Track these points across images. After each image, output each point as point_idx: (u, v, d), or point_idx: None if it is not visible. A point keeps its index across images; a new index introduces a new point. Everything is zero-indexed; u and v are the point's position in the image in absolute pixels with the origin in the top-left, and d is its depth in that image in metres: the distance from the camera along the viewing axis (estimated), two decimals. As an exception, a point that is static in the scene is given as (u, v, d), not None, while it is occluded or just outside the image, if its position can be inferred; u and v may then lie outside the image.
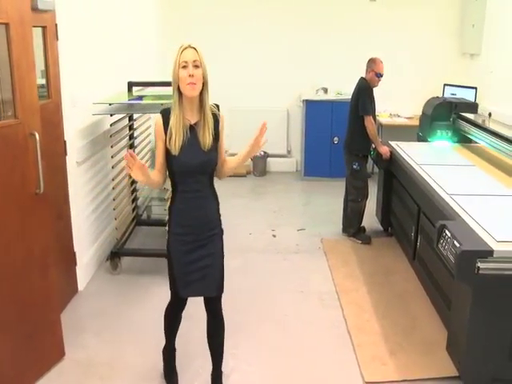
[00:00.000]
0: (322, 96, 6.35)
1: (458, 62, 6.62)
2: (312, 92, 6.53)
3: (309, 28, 6.45)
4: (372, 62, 4.58)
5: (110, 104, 3.92)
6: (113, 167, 4.10)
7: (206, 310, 2.69)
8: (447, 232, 2.83)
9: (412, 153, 4.45)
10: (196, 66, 2.27)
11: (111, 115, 3.99)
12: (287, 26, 6.44)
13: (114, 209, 4.13)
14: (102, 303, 3.69)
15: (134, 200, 4.59)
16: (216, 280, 2.57)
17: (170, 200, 2.51)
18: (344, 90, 6.32)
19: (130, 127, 4.45)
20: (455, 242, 2.70)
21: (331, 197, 5.79)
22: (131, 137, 4.47)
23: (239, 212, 5.28)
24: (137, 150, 4.57)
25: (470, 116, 5.34)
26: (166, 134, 2.33)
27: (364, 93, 4.56)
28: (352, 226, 4.80)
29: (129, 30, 4.99)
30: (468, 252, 2.61)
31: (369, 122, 4.52)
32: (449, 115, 4.86)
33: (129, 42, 4.98)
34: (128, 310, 3.60)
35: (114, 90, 4.35)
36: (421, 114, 5.23)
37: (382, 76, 4.59)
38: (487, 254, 2.62)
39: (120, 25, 4.71)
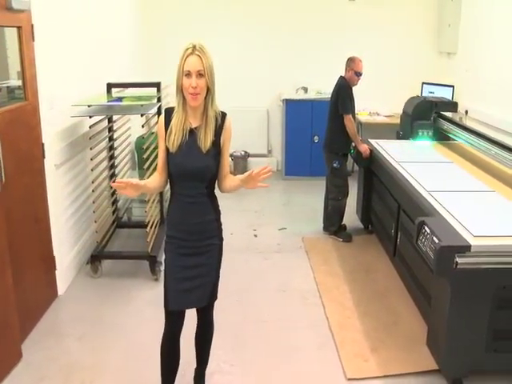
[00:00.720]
0: (301, 95, 6.38)
1: (436, 60, 6.71)
2: (292, 91, 6.55)
3: (288, 28, 6.47)
4: (351, 61, 4.60)
5: (88, 106, 3.89)
6: (92, 169, 4.05)
7: (197, 314, 2.63)
8: (426, 228, 2.87)
9: (391, 151, 4.49)
10: (200, 75, 2.20)
11: (90, 117, 3.93)
12: (267, 25, 6.45)
13: (94, 211, 4.09)
14: (83, 307, 3.64)
15: (115, 202, 4.55)
16: (209, 291, 2.50)
17: (168, 203, 2.47)
18: (324, 89, 6.35)
19: (110, 129, 4.41)
20: (434, 238, 2.74)
21: (312, 196, 5.82)
22: (111, 139, 4.43)
23: (221, 211, 5.24)
24: (117, 152, 4.53)
25: (449, 114, 5.43)
26: (166, 131, 2.31)
27: (343, 92, 4.57)
28: (333, 224, 4.81)
29: (107, 30, 4.94)
30: (447, 247, 2.65)
31: (348, 120, 4.54)
32: (429, 114, 4.89)
33: (108, 42, 4.93)
34: (110, 314, 3.55)
35: (93, 91, 4.30)
36: (401, 113, 5.27)
37: (361, 75, 4.61)
38: (465, 249, 2.67)
39: (98, 25, 4.65)
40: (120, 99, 4.20)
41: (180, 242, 2.40)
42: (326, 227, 4.94)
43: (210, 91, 2.27)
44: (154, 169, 4.34)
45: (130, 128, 4.93)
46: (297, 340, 3.29)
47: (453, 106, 5.03)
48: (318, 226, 5.03)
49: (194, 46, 2.22)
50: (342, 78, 4.69)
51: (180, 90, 2.24)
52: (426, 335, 3.16)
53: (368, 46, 6.47)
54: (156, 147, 4.46)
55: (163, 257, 4.08)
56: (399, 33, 6.62)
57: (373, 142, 4.85)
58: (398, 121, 6.31)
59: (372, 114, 6.58)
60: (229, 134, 2.41)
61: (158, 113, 4.46)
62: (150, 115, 4.38)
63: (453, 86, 5.99)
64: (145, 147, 4.21)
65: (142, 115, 4.03)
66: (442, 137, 4.97)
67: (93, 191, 4.06)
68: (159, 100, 4.38)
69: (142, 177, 4.91)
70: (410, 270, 3.75)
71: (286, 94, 6.50)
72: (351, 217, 5.13)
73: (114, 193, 4.47)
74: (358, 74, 4.59)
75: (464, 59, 6.02)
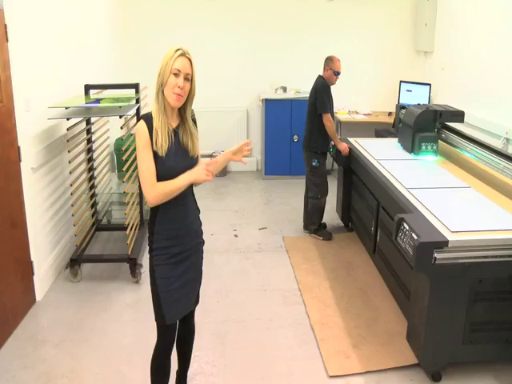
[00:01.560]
0: (281, 95, 6.39)
1: (413, 59, 6.78)
2: (271, 91, 6.57)
3: (267, 27, 6.48)
4: (329, 60, 4.60)
5: (66, 108, 3.84)
6: (71, 172, 4.01)
7: (179, 320, 2.56)
8: (405, 225, 2.91)
9: (370, 149, 4.53)
10: (187, 79, 2.18)
11: (68, 119, 3.89)
12: (245, 25, 6.45)
13: (73, 215, 4.04)
14: (62, 313, 3.58)
15: (94, 205, 4.51)
16: (197, 293, 2.52)
17: (150, 215, 2.34)
18: (303, 88, 6.37)
19: (88, 131, 4.36)
20: (413, 235, 2.78)
21: (292, 195, 5.84)
22: (89, 141, 4.38)
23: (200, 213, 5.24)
24: (95, 154, 4.49)
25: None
26: (151, 138, 2.20)
27: (322, 91, 4.57)
28: (313, 222, 4.81)
29: (84, 31, 4.89)
30: (425, 243, 2.69)
31: (327, 119, 4.54)
32: (433, 125, 4.37)
33: (85, 44, 4.88)
34: (89, 319, 3.51)
35: (71, 93, 4.26)
36: (399, 123, 4.70)
37: (339, 74, 4.62)
38: (443, 244, 2.72)
39: (75, 26, 4.60)
40: (98, 101, 4.16)
41: (172, 249, 2.32)
42: (306, 226, 4.94)
43: (190, 99, 2.27)
44: (134, 170, 4.36)
45: (109, 130, 4.89)
46: (278, 339, 3.30)
47: (459, 115, 4.37)
48: (299, 225, 5.05)
49: (183, 49, 2.20)
50: (320, 77, 4.68)
51: (162, 88, 2.20)
52: (405, 330, 3.19)
53: (346, 45, 6.53)
54: (135, 149, 4.47)
55: (145, 261, 4.15)
56: (377, 32, 6.68)
57: (352, 140, 4.88)
58: (376, 119, 6.42)
59: (351, 113, 6.62)
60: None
61: (137, 114, 4.44)
62: (129, 117, 4.36)
63: (430, 85, 6.08)
64: (124, 149, 4.18)
65: (120, 117, 3.98)
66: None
67: (71, 194, 4.02)
68: (138, 101, 4.35)
69: (120, 179, 4.89)
70: (389, 267, 3.78)
71: (266, 93, 6.51)
72: (331, 215, 5.16)
73: (93, 195, 4.43)
74: (337, 74, 4.60)
75: (440, 58, 6.11)
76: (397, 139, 4.76)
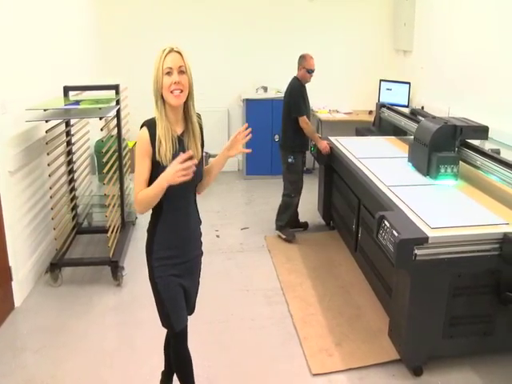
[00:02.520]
0: (262, 95, 6.39)
1: (393, 58, 6.83)
2: (252, 91, 6.56)
3: (248, 27, 6.48)
4: (302, 59, 4.56)
5: (44, 110, 3.78)
6: (50, 175, 3.94)
7: None
8: (386, 222, 2.92)
9: (351, 147, 4.54)
10: (181, 72, 2.11)
11: (46, 121, 3.84)
12: (226, 25, 6.44)
13: (53, 218, 3.97)
14: (42, 318, 3.52)
15: (74, 208, 4.45)
16: (193, 303, 2.53)
17: (150, 223, 2.29)
18: (283, 87, 6.36)
19: (68, 133, 4.31)
20: (394, 232, 2.80)
21: (273, 194, 5.82)
22: (69, 143, 4.32)
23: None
24: (75, 157, 4.44)
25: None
26: (153, 146, 2.12)
27: (296, 93, 4.54)
28: (281, 219, 4.76)
29: (63, 31, 4.82)
30: (406, 240, 2.71)
31: (303, 122, 4.51)
32: (452, 143, 3.69)
33: (64, 44, 4.82)
34: (70, 323, 3.45)
35: (49, 95, 4.20)
36: (410, 142, 4.05)
37: (313, 72, 4.57)
38: (423, 240, 2.74)
39: (53, 26, 4.53)
40: (77, 102, 4.11)
41: (173, 260, 2.28)
42: (276, 224, 4.85)
43: (190, 94, 2.18)
44: (114, 172, 4.33)
45: (89, 132, 4.83)
46: (261, 338, 3.29)
47: (483, 131, 3.76)
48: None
49: (171, 46, 2.15)
50: (294, 78, 4.66)
51: (160, 94, 2.13)
52: (387, 326, 3.22)
53: (327, 44, 6.56)
54: (115, 151, 4.45)
55: (127, 263, 4.12)
56: (357, 32, 6.72)
57: (332, 139, 4.89)
58: (357, 118, 6.46)
59: (332, 112, 6.65)
60: (203, 135, 2.36)
61: (118, 115, 4.40)
62: (109, 118, 4.32)
63: (409, 83, 6.13)
64: (104, 151, 4.14)
65: (100, 118, 3.95)
66: (398, 132, 5.06)
67: (51, 197, 3.96)
68: (118, 102, 4.31)
69: (101, 181, 4.85)
70: (371, 264, 3.81)
71: (246, 93, 6.50)
72: (313, 214, 5.17)
73: (73, 198, 4.38)
74: (310, 72, 4.55)
75: (419, 57, 6.16)
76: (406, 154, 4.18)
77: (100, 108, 3.91)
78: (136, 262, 4.26)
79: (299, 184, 4.74)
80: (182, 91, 2.11)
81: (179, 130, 2.20)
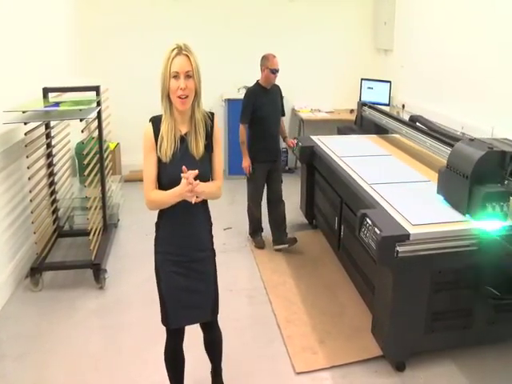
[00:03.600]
0: (243, 94, 6.37)
1: (373, 57, 6.88)
2: (234, 91, 6.55)
3: (229, 27, 6.46)
4: (265, 60, 4.32)
5: (23, 112, 3.74)
6: (29, 178, 3.88)
7: (202, 329, 2.58)
8: (368, 220, 2.94)
9: (333, 146, 4.56)
10: (188, 76, 2.11)
11: (25, 123, 3.79)
12: (207, 25, 6.41)
13: (33, 222, 3.91)
14: (22, 324, 3.45)
15: (55, 211, 4.41)
16: (209, 306, 2.43)
17: (157, 217, 2.35)
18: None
19: (47, 135, 4.26)
20: (376, 229, 2.82)
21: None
22: (49, 145, 4.28)
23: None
24: (55, 159, 4.39)
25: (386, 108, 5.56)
26: (156, 142, 2.18)
27: (244, 98, 4.42)
28: (250, 227, 4.70)
29: (42, 31, 4.76)
30: (388, 237, 2.73)
31: (240, 129, 4.39)
32: (499, 173, 2.93)
33: (43, 44, 4.76)
34: (52, 328, 3.40)
35: (28, 96, 4.14)
36: (441, 169, 3.22)
37: (277, 71, 4.33)
38: (404, 237, 2.77)
39: (31, 27, 4.47)
40: (57, 104, 4.07)
41: (174, 257, 2.31)
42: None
43: (197, 94, 2.18)
44: (95, 174, 4.29)
45: (70, 134, 4.79)
46: (245, 338, 3.29)
47: None
48: (263, 224, 5.02)
49: (180, 47, 2.13)
50: (255, 83, 4.48)
51: (166, 94, 2.14)
52: (370, 323, 3.23)
53: (307, 44, 6.59)
54: (97, 153, 4.42)
55: (109, 266, 4.09)
56: (338, 31, 6.75)
57: (314, 138, 4.91)
58: (339, 117, 6.49)
59: (313, 111, 6.67)
60: (218, 134, 2.31)
61: (99, 117, 4.37)
62: (90, 120, 4.29)
63: (390, 82, 6.18)
64: (85, 153, 4.10)
65: (81, 120, 3.91)
66: (380, 130, 5.09)
67: (31, 201, 3.90)
68: (99, 104, 4.28)
69: (82, 183, 4.80)
70: (353, 262, 3.83)
71: (228, 93, 6.49)
72: (296, 213, 5.17)
73: (54, 201, 4.34)
74: (274, 71, 4.30)
75: (400, 56, 6.21)
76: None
77: (80, 110, 3.87)
78: (119, 264, 4.24)
79: (255, 196, 4.55)
80: (187, 97, 2.12)
81: (184, 130, 2.22)
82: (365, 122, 5.38)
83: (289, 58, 6.59)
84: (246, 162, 4.40)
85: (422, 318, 2.95)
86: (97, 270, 3.87)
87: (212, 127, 2.28)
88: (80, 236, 4.51)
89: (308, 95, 6.67)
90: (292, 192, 5.29)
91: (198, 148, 2.21)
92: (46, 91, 4.30)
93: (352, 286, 3.88)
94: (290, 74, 6.56)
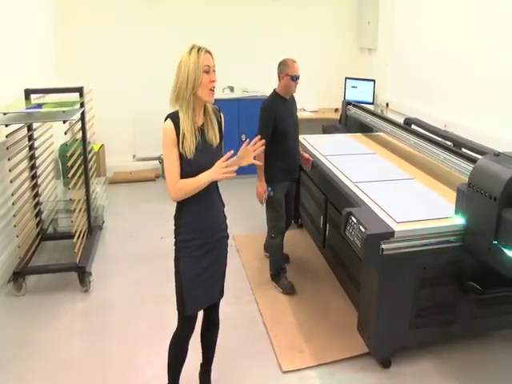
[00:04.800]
0: (228, 94, 6.38)
1: (358, 56, 6.91)
2: (218, 91, 6.52)
3: (212, 28, 6.44)
4: (283, 66, 3.82)
5: (4, 113, 3.70)
6: (11, 181, 3.83)
7: (204, 314, 2.67)
8: (353, 218, 2.95)
9: (318, 145, 4.57)
10: (214, 71, 2.33)
11: (6, 125, 3.75)
12: (191, 25, 6.38)
13: (15, 226, 3.86)
14: (5, 330, 3.39)
15: (38, 214, 4.36)
16: (220, 286, 2.59)
17: (176, 208, 2.44)
18: (250, 87, 6.42)
19: (30, 137, 4.22)
20: (361, 227, 2.83)
21: (241, 194, 5.79)
22: (31, 147, 4.23)
23: (149, 216, 5.19)
24: (38, 162, 4.34)
25: (370, 107, 5.59)
26: (177, 137, 2.30)
27: (263, 112, 3.82)
28: (270, 267, 3.98)
29: (23, 32, 4.70)
30: (372, 235, 2.75)
31: None
32: None
33: (24, 45, 4.70)
34: (36, 334, 3.34)
35: (9, 98, 4.09)
36: (461, 188, 2.86)
37: (298, 78, 3.82)
38: (389, 235, 2.79)
39: (13, 26, 4.42)
40: (40, 106, 4.02)
41: (196, 242, 2.41)
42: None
43: None
44: (79, 176, 4.25)
45: (53, 135, 4.74)
46: (232, 338, 3.28)
47: None
48: (248, 224, 5.04)
49: (205, 47, 2.36)
50: (272, 92, 3.93)
51: (192, 92, 2.27)
52: (356, 321, 3.25)
53: (292, 43, 6.58)
54: (80, 154, 4.38)
55: (94, 269, 4.05)
56: (322, 31, 6.77)
57: (300, 137, 4.89)
58: (323, 116, 6.51)
59: (299, 111, 6.65)
60: (223, 127, 2.51)
61: (82, 118, 4.33)
62: (73, 121, 4.25)
63: (374, 81, 6.21)
64: (69, 155, 4.06)
65: (64, 122, 3.87)
66: (364, 128, 5.11)
67: (13, 204, 3.86)
68: (82, 105, 4.25)
69: (66, 186, 4.75)
70: (339, 260, 3.84)
71: (213, 94, 6.48)
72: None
73: (37, 204, 4.29)
74: (295, 78, 3.79)
75: (383, 55, 6.26)
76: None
77: (64, 111, 3.83)
78: (104, 266, 4.20)
79: (280, 223, 3.92)
80: (215, 88, 2.33)
81: (200, 121, 2.38)
82: (349, 120, 5.40)
83: (273, 59, 6.57)
84: (262, 188, 3.80)
85: (406, 315, 2.97)
86: (81, 273, 3.83)
87: (220, 120, 2.48)
88: (64, 239, 4.45)
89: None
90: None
91: (215, 137, 2.39)
92: (28, 93, 4.25)
93: (338, 285, 3.89)
94: (274, 74, 6.57)
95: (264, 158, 3.72)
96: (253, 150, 2.39)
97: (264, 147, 2.48)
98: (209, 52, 2.34)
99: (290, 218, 4.17)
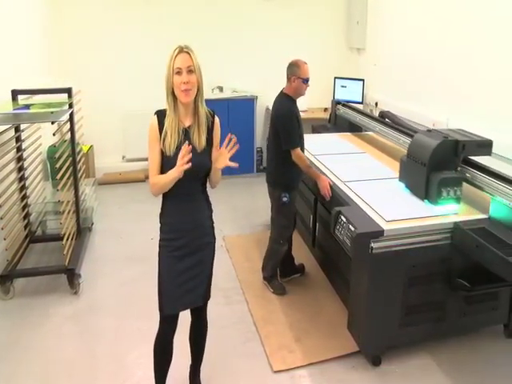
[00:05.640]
0: (217, 95, 6.36)
1: (347, 56, 6.93)
2: (208, 91, 6.53)
3: (201, 28, 6.43)
4: (295, 67, 3.63)
5: (-10, 115, 3.68)
6: (-2, 183, 3.82)
7: (192, 314, 2.67)
8: (342, 217, 2.97)
9: (307, 144, 4.53)
10: (190, 71, 2.27)
11: (-7, 127, 3.73)
12: (180, 26, 6.36)
13: (3, 228, 3.80)
14: (-7, 333, 3.37)
15: (26, 216, 4.32)
16: (203, 291, 2.56)
17: (161, 204, 2.47)
18: (239, 87, 6.41)
19: (18, 139, 4.18)
20: (350, 226, 2.85)
21: (231, 194, 5.81)
22: (19, 149, 4.20)
23: (139, 217, 5.16)
24: (26, 163, 4.30)
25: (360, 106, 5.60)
26: (161, 134, 2.33)
27: (287, 118, 3.58)
28: (266, 268, 3.91)
29: (10, 32, 4.64)
30: (362, 234, 2.77)
31: (296, 156, 3.55)
32: (453, 161, 3.21)
33: (11, 45, 4.65)
34: (24, 337, 3.31)
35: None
36: (402, 159, 3.48)
37: (308, 80, 3.66)
38: (379, 234, 2.80)
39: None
40: (27, 107, 3.99)
41: (176, 243, 2.41)
42: (263, 272, 3.98)
43: (199, 90, 2.34)
44: (68, 178, 4.22)
45: (41, 137, 4.70)
46: (222, 338, 3.28)
47: (487, 146, 3.25)
48: (238, 224, 5.03)
49: (181, 46, 2.32)
50: (282, 94, 3.72)
51: (171, 90, 2.30)
52: (346, 320, 3.26)
53: (281, 43, 6.60)
54: (69, 156, 4.35)
55: (83, 271, 4.03)
56: (311, 31, 6.77)
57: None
58: (313, 115, 6.51)
59: (288, 111, 6.67)
60: (218, 131, 2.48)
61: (71, 119, 4.30)
62: (62, 122, 4.22)
63: (363, 80, 6.23)
64: (57, 156, 4.03)
65: (52, 123, 3.84)
66: (354, 128, 5.13)
67: (0, 206, 3.82)
68: (71, 106, 4.22)
69: (55, 187, 4.72)
70: (329, 259, 3.85)
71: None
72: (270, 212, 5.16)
73: (25, 206, 4.25)
74: (306, 81, 3.62)
75: (372, 54, 6.29)
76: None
77: (52, 112, 3.80)
78: (93, 268, 4.18)
79: (289, 230, 3.86)
80: (190, 89, 2.27)
81: (187, 123, 2.37)
82: (339, 120, 5.41)
83: (262, 58, 6.62)
84: (326, 180, 3.57)
85: (396, 313, 2.99)
86: (71, 275, 3.80)
87: (213, 123, 2.44)
88: (53, 241, 4.42)
89: (282, 94, 6.70)
90: (267, 191, 5.27)
91: (199, 140, 2.36)
92: (15, 93, 4.21)
93: (328, 284, 3.90)
94: (263, 74, 6.59)
95: (279, 165, 3.63)
96: (227, 151, 2.37)
97: (237, 147, 2.42)
98: (187, 52, 2.30)
99: (295, 224, 4.08)
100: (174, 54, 2.29)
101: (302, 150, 3.66)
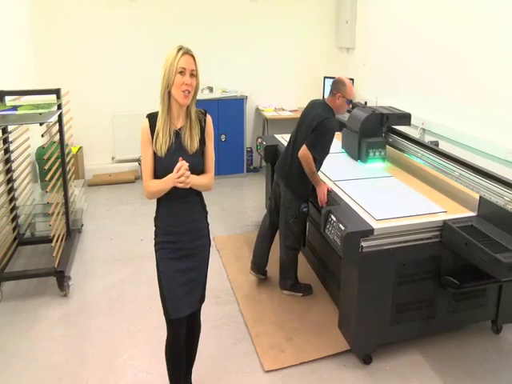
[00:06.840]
0: (207, 95, 6.35)
1: (336, 55, 6.94)
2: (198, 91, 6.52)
3: (190, 28, 6.41)
4: (341, 85, 3.50)
5: (-23, 116, 3.64)
6: (-15, 186, 3.79)
7: (187, 318, 2.59)
8: (332, 217, 2.97)
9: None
10: (192, 75, 2.27)
11: (-20, 129, 3.69)
12: (168, 25, 6.34)
13: (-10, 231, 3.81)
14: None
15: (15, 218, 4.29)
16: (200, 295, 2.55)
17: (156, 207, 2.45)
18: (228, 87, 6.41)
19: (5, 140, 4.14)
20: (340, 226, 2.85)
21: (221, 195, 5.80)
22: (7, 151, 4.16)
23: (129, 218, 5.14)
24: (14, 165, 4.27)
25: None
26: (152, 136, 2.31)
27: (330, 135, 3.47)
28: (290, 277, 3.80)
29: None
30: (352, 233, 2.77)
31: (309, 160, 3.42)
32: (380, 129, 4.08)
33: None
34: (13, 340, 3.28)
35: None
36: (343, 130, 4.28)
37: (352, 102, 3.62)
38: (369, 233, 2.82)
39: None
40: (15, 108, 3.95)
41: (172, 245, 2.40)
42: (282, 283, 3.85)
43: (195, 94, 2.34)
44: (57, 179, 4.19)
45: (29, 138, 4.67)
46: (213, 339, 3.27)
47: (406, 117, 4.09)
48: (229, 224, 5.02)
49: (186, 48, 2.31)
50: (325, 105, 3.59)
51: (168, 89, 2.27)
52: (337, 319, 3.26)
53: (270, 43, 6.60)
54: (58, 157, 4.32)
55: (73, 273, 4.00)
56: (300, 30, 6.78)
57: (278, 136, 4.92)
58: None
59: (277, 110, 6.68)
60: (211, 130, 2.45)
61: (59, 121, 4.27)
62: (51, 123, 4.19)
63: (352, 79, 6.21)
64: (46, 158, 4.00)
65: (41, 124, 3.80)
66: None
67: (-12, 209, 3.80)
68: (60, 107, 4.18)
69: (43, 189, 4.69)
70: (319, 259, 3.86)
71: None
72: (261, 212, 5.14)
73: (13, 208, 4.22)
74: (350, 102, 3.55)
75: (361, 54, 6.31)
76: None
77: (40, 113, 3.77)
78: (83, 270, 4.15)
79: (299, 239, 3.79)
80: (189, 92, 2.27)
81: (179, 125, 2.35)
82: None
83: (252, 58, 6.62)
84: (325, 186, 3.49)
85: (387, 311, 3.00)
86: (60, 278, 3.77)
87: (205, 122, 2.41)
88: (42, 243, 4.40)
89: (271, 94, 6.71)
90: (257, 191, 5.28)
91: (191, 142, 2.33)
92: (3, 94, 4.17)
93: (318, 283, 3.90)
94: (253, 74, 6.60)
95: (299, 175, 3.52)
96: (177, 177, 2.22)
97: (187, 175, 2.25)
98: (191, 55, 2.30)
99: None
100: (178, 54, 2.27)
101: (320, 165, 3.58)
